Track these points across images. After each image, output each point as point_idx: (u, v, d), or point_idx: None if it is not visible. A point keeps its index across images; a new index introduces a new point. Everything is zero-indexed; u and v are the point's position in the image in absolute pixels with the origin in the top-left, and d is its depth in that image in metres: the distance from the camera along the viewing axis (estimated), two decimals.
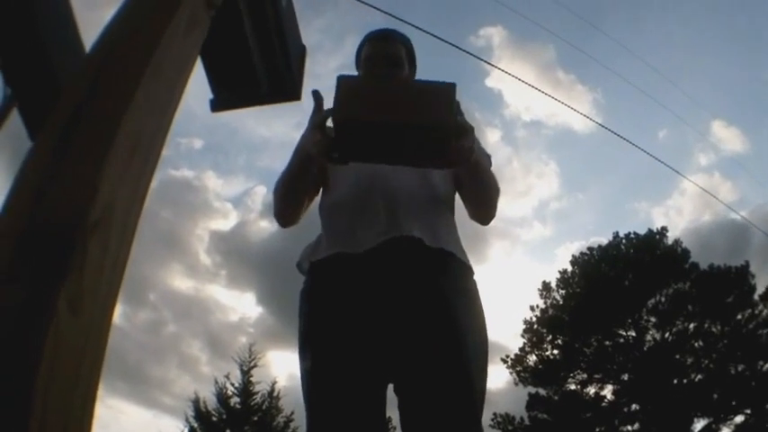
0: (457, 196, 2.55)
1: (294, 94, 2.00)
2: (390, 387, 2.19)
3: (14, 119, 1.64)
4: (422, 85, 2.00)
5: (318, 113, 2.11)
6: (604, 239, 30.46)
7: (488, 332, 2.28)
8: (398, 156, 2.03)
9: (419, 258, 2.22)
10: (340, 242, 2.31)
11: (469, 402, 2.07)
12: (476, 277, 2.38)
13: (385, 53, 2.56)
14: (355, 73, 2.63)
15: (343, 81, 1.95)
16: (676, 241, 29.10)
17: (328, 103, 2.04)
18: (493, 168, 2.51)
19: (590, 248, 30.24)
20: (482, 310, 2.30)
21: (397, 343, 2.12)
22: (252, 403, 22.02)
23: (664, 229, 29.48)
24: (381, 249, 2.22)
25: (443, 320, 2.14)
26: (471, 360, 2.12)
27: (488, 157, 2.58)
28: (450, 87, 1.91)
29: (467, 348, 2.12)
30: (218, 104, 1.90)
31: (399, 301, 2.15)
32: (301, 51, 2.08)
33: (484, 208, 2.51)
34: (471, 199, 2.49)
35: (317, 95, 2.12)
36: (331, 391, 2.12)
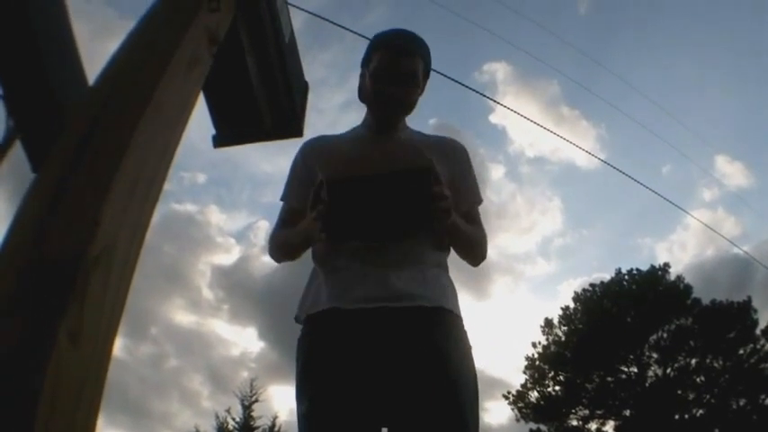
0: None
1: (296, 131, 2.01)
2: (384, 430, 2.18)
3: (18, 149, 1.65)
4: (401, 175, 2.04)
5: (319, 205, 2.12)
6: (608, 275, 30.44)
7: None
8: (386, 227, 2.12)
9: (416, 318, 2.21)
10: (335, 298, 2.29)
11: None
12: (467, 324, 2.37)
13: (400, 70, 2.36)
14: (362, 109, 2.55)
15: (330, 185, 1.99)
16: (679, 277, 29.08)
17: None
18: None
19: (592, 285, 30.23)
20: (472, 357, 2.28)
21: (391, 386, 2.11)
22: None
23: (666, 265, 29.49)
24: (379, 312, 2.20)
25: (437, 369, 2.13)
26: (466, 402, 2.12)
27: (480, 200, 2.56)
28: (426, 173, 2.00)
29: (460, 390, 2.12)
30: (220, 140, 1.91)
31: (394, 351, 2.14)
32: (304, 87, 2.09)
33: (470, 259, 2.52)
34: (457, 252, 2.47)
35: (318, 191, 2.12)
36: None
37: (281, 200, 2.51)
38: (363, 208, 2.01)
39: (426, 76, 2.47)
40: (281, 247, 2.44)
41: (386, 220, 2.06)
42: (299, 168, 2.47)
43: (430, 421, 2.06)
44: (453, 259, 2.51)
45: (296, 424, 2.19)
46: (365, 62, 2.44)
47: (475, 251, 2.48)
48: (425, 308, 2.22)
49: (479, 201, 2.54)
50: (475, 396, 2.21)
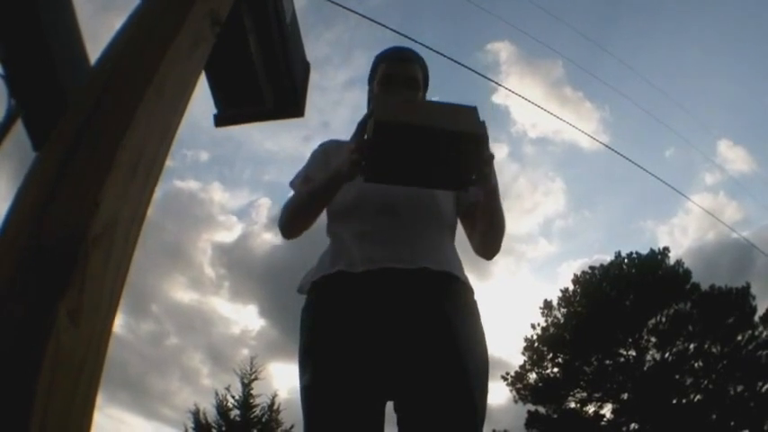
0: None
1: (298, 111, 2.00)
2: (390, 405, 2.18)
3: (19, 129, 1.66)
4: (449, 105, 2.09)
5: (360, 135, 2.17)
6: (608, 257, 30.45)
7: (489, 350, 2.27)
8: (427, 175, 2.13)
9: (422, 283, 2.22)
10: (342, 261, 2.30)
11: (471, 423, 2.06)
12: (477, 297, 2.37)
13: (403, 75, 2.56)
14: (365, 88, 2.65)
15: (380, 95, 2.26)
16: (678, 261, 29.08)
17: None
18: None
19: (592, 267, 30.24)
20: (483, 331, 2.28)
21: (398, 360, 2.11)
22: (252, 416, 21.86)
23: (666, 249, 29.49)
24: (385, 274, 2.21)
25: (445, 341, 2.13)
26: (473, 381, 2.11)
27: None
28: (474, 108, 2.06)
29: (469, 370, 2.11)
30: (221, 120, 1.91)
31: (401, 320, 2.14)
32: (305, 68, 2.09)
33: (492, 240, 2.47)
34: (481, 230, 2.44)
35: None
36: (330, 406, 2.10)
37: (297, 175, 2.58)
38: (409, 154, 2.05)
39: (426, 85, 2.67)
40: (302, 201, 2.46)
41: (428, 171, 2.11)
42: (320, 155, 2.63)
43: (435, 399, 2.06)
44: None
45: (295, 402, 2.20)
46: (371, 79, 2.66)
47: (503, 228, 2.46)
48: (432, 272, 2.24)
49: None
50: (484, 375, 2.22)
